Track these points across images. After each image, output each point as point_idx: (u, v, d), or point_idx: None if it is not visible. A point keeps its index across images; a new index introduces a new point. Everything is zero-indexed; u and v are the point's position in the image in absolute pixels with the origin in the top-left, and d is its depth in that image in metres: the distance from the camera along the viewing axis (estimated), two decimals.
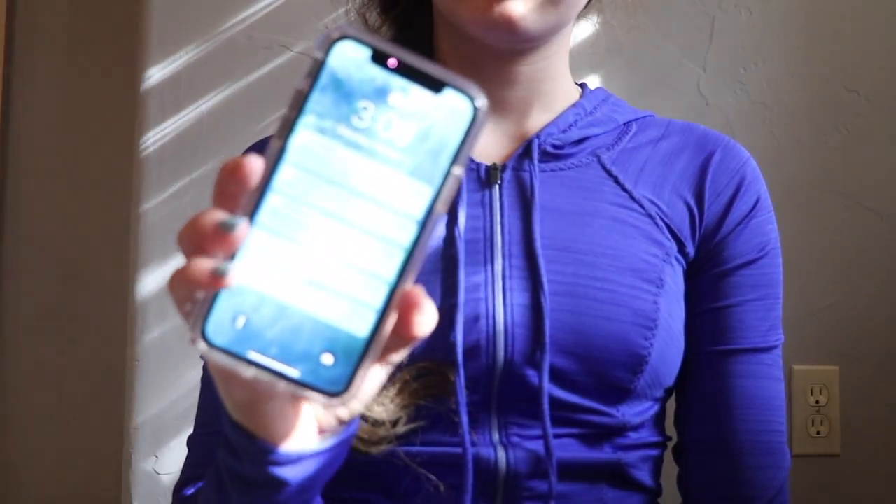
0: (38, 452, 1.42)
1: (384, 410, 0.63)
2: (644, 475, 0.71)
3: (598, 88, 0.78)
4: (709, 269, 0.73)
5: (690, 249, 0.72)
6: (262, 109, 1.25)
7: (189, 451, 0.72)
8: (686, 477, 0.75)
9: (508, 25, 0.64)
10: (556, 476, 0.65)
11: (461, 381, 0.64)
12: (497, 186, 0.70)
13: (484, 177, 0.70)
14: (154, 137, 1.25)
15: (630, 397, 0.67)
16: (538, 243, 0.67)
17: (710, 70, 1.31)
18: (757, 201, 0.74)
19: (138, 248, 1.24)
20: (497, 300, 0.66)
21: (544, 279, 0.66)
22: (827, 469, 1.29)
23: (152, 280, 1.23)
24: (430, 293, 0.65)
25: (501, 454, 0.65)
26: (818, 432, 1.27)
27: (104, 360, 1.39)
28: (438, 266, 0.67)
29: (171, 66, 1.25)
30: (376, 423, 0.63)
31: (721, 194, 0.73)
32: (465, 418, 0.64)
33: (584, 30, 1.29)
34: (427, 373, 0.64)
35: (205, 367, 0.74)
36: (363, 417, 0.62)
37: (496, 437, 0.66)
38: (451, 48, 0.73)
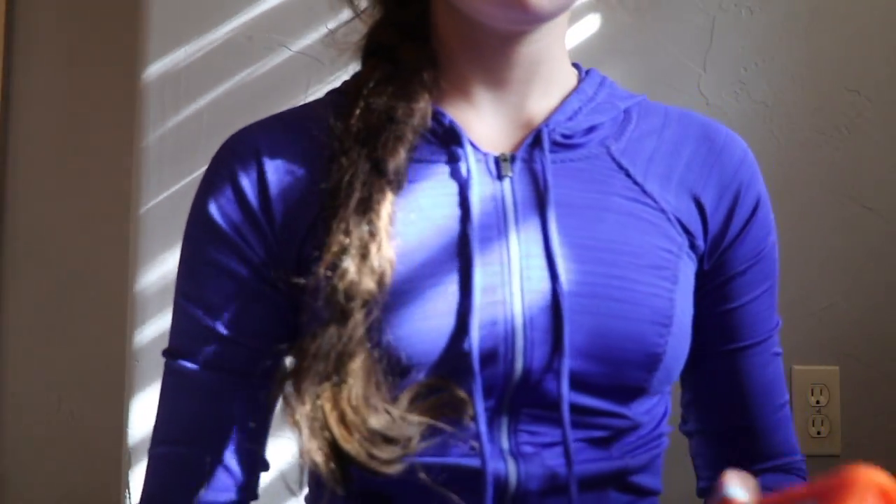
0: (38, 452, 1.42)
1: (395, 428, 0.59)
2: (648, 479, 0.70)
3: (592, 70, 0.76)
4: (718, 276, 0.72)
5: (701, 243, 0.71)
6: (262, 109, 1.25)
7: (152, 468, 0.69)
8: (708, 457, 0.78)
9: (522, 4, 0.61)
10: (576, 487, 0.63)
11: (478, 388, 0.61)
12: (508, 179, 0.66)
13: (494, 169, 0.67)
14: (154, 137, 1.25)
15: (642, 395, 0.66)
16: (555, 242, 0.64)
17: (711, 70, 1.31)
18: (757, 201, 0.73)
19: (138, 248, 1.23)
20: (515, 303, 0.63)
21: (562, 280, 0.63)
22: (827, 469, 1.28)
23: (151, 279, 1.23)
24: (445, 295, 0.63)
25: (512, 468, 0.63)
26: (819, 432, 1.27)
27: (103, 359, 1.39)
28: (455, 265, 0.63)
29: (171, 66, 1.25)
30: (390, 441, 0.59)
31: (722, 199, 0.72)
32: (483, 427, 0.62)
33: (584, 29, 1.29)
34: (439, 389, 0.61)
35: (165, 375, 0.72)
36: (377, 435, 0.59)
37: (506, 444, 0.64)
38: (450, 28, 0.69)
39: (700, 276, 0.72)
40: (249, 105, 1.25)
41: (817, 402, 1.27)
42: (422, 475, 0.60)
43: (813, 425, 1.27)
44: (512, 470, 0.63)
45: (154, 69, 1.25)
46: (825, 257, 1.29)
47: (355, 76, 0.71)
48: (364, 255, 0.60)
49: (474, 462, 0.62)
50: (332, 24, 1.27)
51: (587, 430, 0.65)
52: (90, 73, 1.45)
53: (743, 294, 0.73)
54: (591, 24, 1.29)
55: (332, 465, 0.58)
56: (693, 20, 1.32)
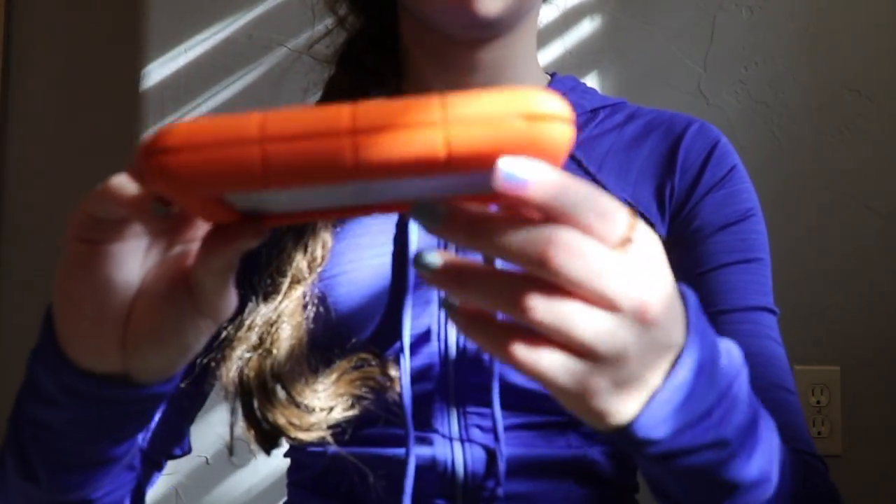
0: None
1: (315, 397, 0.61)
2: (614, 470, 0.69)
3: (567, 76, 0.77)
4: (683, 241, 0.70)
5: (661, 230, 0.70)
6: (261, 109, 1.25)
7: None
8: None
9: (469, 10, 0.63)
10: (504, 465, 0.63)
11: (405, 366, 0.63)
12: None
13: None
14: None
15: None
16: None
17: (711, 70, 1.31)
18: (730, 170, 0.72)
19: None
20: None
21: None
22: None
23: None
24: (380, 270, 0.65)
25: (458, 455, 0.64)
26: (819, 433, 1.27)
27: None
28: (390, 248, 0.66)
29: (171, 66, 1.25)
30: (307, 409, 0.61)
31: (690, 167, 0.71)
32: (408, 410, 0.63)
33: (583, 29, 1.29)
34: (367, 363, 0.64)
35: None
36: (294, 403, 0.61)
37: (455, 430, 0.65)
38: (413, 37, 0.72)
39: (667, 248, 0.71)
40: (249, 105, 1.25)
41: (818, 402, 1.27)
42: (356, 462, 0.63)
43: (814, 425, 1.27)
44: (458, 457, 0.64)
45: (154, 69, 1.25)
46: (825, 257, 1.29)
47: (327, 82, 0.75)
48: (300, 233, 0.65)
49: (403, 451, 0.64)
50: (330, 25, 1.27)
51: (541, 414, 0.65)
52: (91, 74, 1.45)
53: (710, 260, 0.69)
54: (590, 24, 1.29)
55: (256, 429, 0.61)
56: (693, 20, 1.32)
